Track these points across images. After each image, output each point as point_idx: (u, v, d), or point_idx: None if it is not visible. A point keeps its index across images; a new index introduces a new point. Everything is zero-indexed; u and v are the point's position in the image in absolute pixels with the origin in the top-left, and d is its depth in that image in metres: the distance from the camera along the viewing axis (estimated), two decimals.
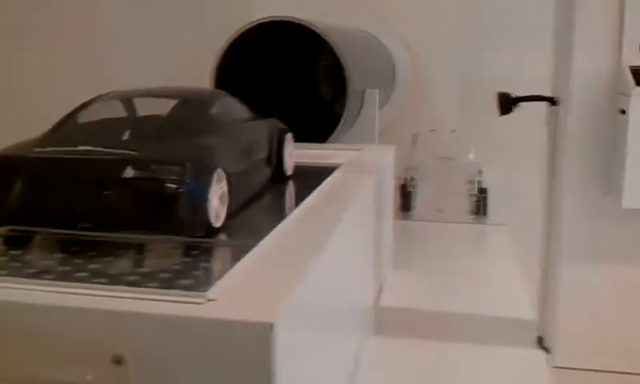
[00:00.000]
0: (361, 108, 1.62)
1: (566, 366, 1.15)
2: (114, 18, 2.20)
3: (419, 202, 1.93)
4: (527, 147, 2.03)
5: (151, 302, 0.55)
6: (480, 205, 1.90)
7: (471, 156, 1.92)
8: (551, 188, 1.05)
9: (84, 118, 0.81)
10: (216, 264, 0.67)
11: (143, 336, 0.53)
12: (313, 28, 1.42)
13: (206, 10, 2.15)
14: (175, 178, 0.68)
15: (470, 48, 2.05)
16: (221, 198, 0.74)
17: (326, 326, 0.75)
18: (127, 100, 0.86)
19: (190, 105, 0.82)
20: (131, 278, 0.61)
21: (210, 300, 0.55)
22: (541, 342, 1.14)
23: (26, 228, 0.73)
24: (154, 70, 2.12)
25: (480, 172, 1.94)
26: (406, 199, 1.92)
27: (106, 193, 0.68)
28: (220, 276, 0.60)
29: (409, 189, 1.93)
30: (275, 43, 1.59)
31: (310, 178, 1.09)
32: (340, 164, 1.19)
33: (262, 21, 1.44)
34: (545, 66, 1.93)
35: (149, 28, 2.16)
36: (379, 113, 1.63)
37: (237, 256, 0.66)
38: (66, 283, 0.59)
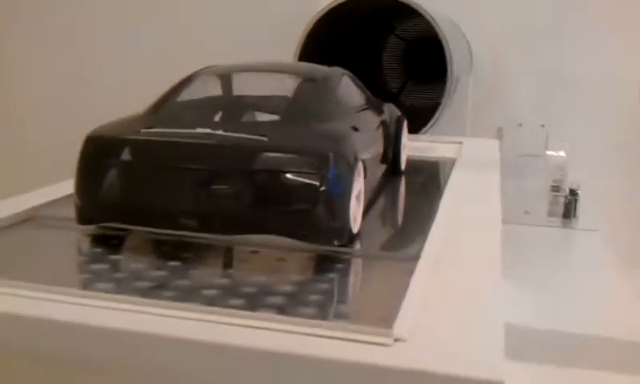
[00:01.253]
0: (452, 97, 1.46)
1: None
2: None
3: (502, 202, 1.76)
4: (618, 145, 1.86)
5: (319, 339, 0.41)
6: (570, 207, 1.73)
7: (562, 153, 1.75)
8: None
9: (189, 94, 0.67)
10: (375, 285, 0.52)
11: None
12: (414, 6, 1.27)
13: None
14: (316, 171, 0.54)
15: (559, 33, 1.87)
16: (357, 197, 0.60)
17: None
18: (232, 76, 0.72)
19: (316, 84, 0.67)
20: (274, 299, 0.47)
21: (397, 340, 0.41)
22: None
23: (122, 226, 0.59)
24: (215, 48, 1.99)
25: (563, 171, 1.78)
26: None
27: (231, 187, 0.54)
28: (397, 303, 0.45)
29: None
30: (340, 28, 1.45)
31: (426, 174, 0.95)
32: (449, 158, 1.04)
33: None
34: None
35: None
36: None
37: (399, 275, 0.51)
38: (195, 306, 0.45)
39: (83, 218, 0.59)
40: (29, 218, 0.64)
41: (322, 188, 0.54)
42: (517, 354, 0.99)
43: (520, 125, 1.80)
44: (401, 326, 0.42)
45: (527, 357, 1.03)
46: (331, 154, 0.55)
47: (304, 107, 0.63)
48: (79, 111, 2.00)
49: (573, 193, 1.73)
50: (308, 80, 0.68)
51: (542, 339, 1.07)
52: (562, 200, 1.75)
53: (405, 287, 0.48)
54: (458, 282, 0.51)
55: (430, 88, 1.77)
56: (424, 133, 1.31)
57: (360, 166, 0.60)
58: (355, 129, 0.64)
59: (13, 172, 2.04)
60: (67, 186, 0.69)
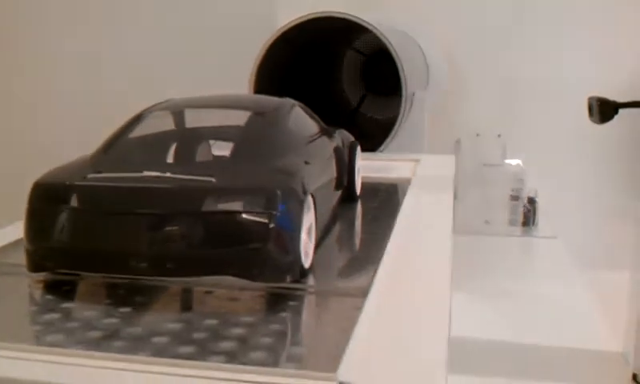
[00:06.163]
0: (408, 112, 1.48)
1: None
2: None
3: (462, 212, 1.79)
4: (574, 152, 1.90)
5: None
6: (530, 215, 1.77)
7: (520, 162, 1.78)
8: None
9: (138, 133, 0.67)
10: (326, 323, 0.53)
11: None
12: (364, 24, 1.29)
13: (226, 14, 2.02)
14: (264, 209, 0.55)
15: (513, 46, 1.91)
16: (309, 231, 0.61)
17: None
18: (183, 112, 0.73)
19: (266, 117, 0.68)
20: (225, 345, 0.47)
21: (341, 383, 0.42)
22: (636, 379, 1.00)
23: (72, 271, 0.59)
24: (175, 75, 1.99)
25: (521, 180, 1.82)
26: None
27: (180, 230, 0.55)
28: (342, 344, 0.46)
29: None
30: (297, 46, 1.46)
31: (381, 198, 0.96)
32: (404, 178, 1.06)
33: (308, 16, 1.30)
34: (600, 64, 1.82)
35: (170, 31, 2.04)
36: None
37: (349, 311, 0.52)
38: (143, 358, 0.45)
39: (34, 265, 0.59)
40: None
41: (272, 225, 0.55)
42: (467, 367, 1.01)
43: (478, 135, 1.83)
44: (346, 368, 0.42)
45: (488, 369, 1.05)
46: (279, 191, 0.56)
47: (253, 143, 0.64)
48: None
49: (531, 201, 1.77)
50: (257, 114, 0.69)
51: (498, 350, 1.09)
52: (520, 209, 1.79)
53: (353, 325, 0.49)
54: (405, 317, 0.52)
55: (390, 101, 1.79)
56: (381, 151, 1.33)
57: (310, 200, 0.61)
58: (306, 162, 0.65)
59: None
60: (17, 230, 0.68)
